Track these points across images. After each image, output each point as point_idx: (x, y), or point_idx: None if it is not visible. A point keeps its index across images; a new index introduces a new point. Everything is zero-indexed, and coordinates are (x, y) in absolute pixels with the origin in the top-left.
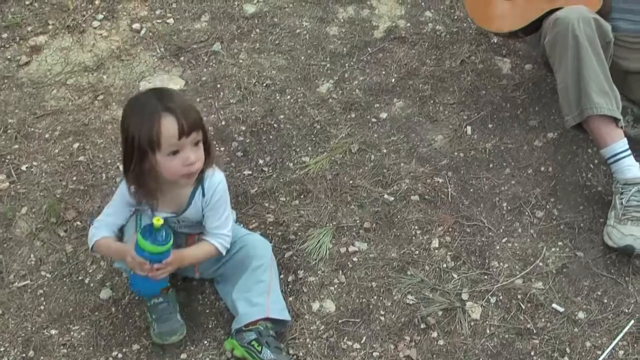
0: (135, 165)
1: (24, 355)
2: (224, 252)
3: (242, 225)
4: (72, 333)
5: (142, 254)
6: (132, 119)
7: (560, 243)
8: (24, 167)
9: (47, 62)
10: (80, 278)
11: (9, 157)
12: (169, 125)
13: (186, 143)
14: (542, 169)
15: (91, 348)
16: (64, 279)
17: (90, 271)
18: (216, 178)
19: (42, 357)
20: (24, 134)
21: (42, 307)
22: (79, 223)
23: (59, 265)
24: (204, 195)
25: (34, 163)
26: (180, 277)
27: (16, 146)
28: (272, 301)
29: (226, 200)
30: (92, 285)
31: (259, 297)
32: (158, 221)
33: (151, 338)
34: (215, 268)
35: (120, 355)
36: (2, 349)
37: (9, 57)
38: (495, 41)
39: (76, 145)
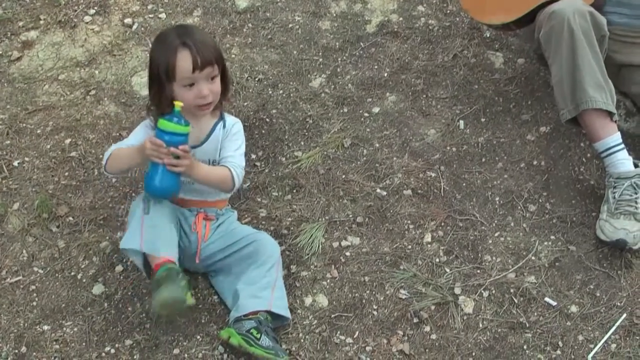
0: (155, 93)
1: (16, 351)
2: (236, 184)
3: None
4: (64, 329)
5: (161, 136)
6: (155, 51)
7: (552, 237)
8: (15, 163)
9: (38, 57)
10: (72, 274)
11: (0, 152)
12: (183, 60)
13: (200, 77)
14: (535, 163)
15: (84, 344)
16: (56, 275)
17: (83, 267)
18: (234, 118)
19: (34, 353)
20: (16, 129)
21: (34, 303)
22: (71, 219)
23: (51, 261)
24: (224, 127)
25: (26, 159)
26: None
27: (8, 142)
28: (276, 297)
29: (243, 139)
30: (84, 280)
31: (263, 290)
32: (178, 104)
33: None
34: (217, 259)
35: (112, 351)
36: None
37: (0, 52)
38: (488, 35)
39: (68, 140)
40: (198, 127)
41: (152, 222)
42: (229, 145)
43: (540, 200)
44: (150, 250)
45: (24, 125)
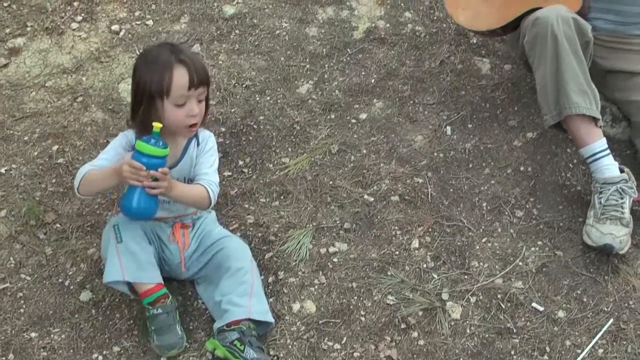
0: (142, 112)
1: (3, 358)
2: (212, 201)
3: (223, 226)
4: (52, 336)
5: (140, 159)
6: (145, 68)
7: (539, 242)
8: (2, 170)
9: (25, 64)
10: (60, 280)
11: None
12: (180, 76)
13: (193, 95)
14: (522, 168)
15: (71, 350)
16: (44, 282)
17: (70, 273)
18: (207, 132)
19: None
20: (3, 136)
21: (22, 310)
22: (58, 225)
23: (39, 268)
24: (198, 144)
25: (13, 165)
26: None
27: None
28: (254, 303)
29: (216, 153)
30: (72, 287)
31: (241, 298)
32: (157, 125)
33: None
34: (200, 266)
35: (100, 358)
36: None
37: None
38: (475, 42)
39: (55, 147)
40: (173, 147)
41: (127, 249)
42: (204, 162)
43: (527, 206)
44: (133, 279)
45: (11, 132)
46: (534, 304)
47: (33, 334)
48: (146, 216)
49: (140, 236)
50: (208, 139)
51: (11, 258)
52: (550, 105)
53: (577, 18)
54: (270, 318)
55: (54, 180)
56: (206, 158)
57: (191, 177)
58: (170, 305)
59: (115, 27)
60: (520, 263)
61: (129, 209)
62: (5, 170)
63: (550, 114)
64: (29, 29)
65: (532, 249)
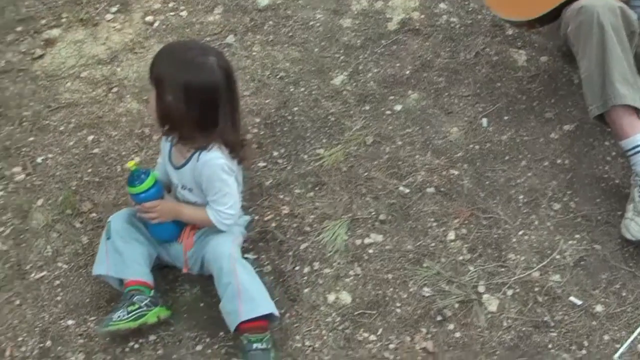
0: None
1: (41, 345)
2: (220, 227)
3: (257, 217)
4: (88, 323)
5: (132, 198)
6: None
7: (577, 236)
8: (39, 160)
9: (61, 55)
10: None
11: (24, 149)
12: None
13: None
14: (559, 161)
15: (108, 338)
16: (80, 270)
17: None
18: (212, 154)
19: (59, 347)
20: (39, 126)
21: (58, 298)
22: (94, 214)
23: (75, 257)
24: (198, 160)
25: (49, 155)
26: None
27: (31, 138)
28: (243, 302)
29: (221, 180)
30: None
31: (230, 302)
32: (130, 164)
33: None
34: (199, 265)
35: (136, 346)
36: (20, 339)
37: (23, 50)
38: (510, 33)
39: (91, 137)
40: (182, 150)
41: (114, 246)
42: (209, 189)
43: (564, 199)
44: (117, 274)
45: (47, 122)
46: (571, 298)
47: (70, 322)
48: (166, 240)
49: (130, 235)
50: (206, 162)
51: (48, 247)
52: (595, 96)
53: (623, 7)
54: (262, 311)
55: (89, 170)
56: (209, 185)
57: (192, 188)
58: (130, 295)
59: (149, 18)
60: (558, 256)
61: (150, 234)
62: (42, 159)
63: (596, 104)
64: (64, 20)
65: (570, 242)
